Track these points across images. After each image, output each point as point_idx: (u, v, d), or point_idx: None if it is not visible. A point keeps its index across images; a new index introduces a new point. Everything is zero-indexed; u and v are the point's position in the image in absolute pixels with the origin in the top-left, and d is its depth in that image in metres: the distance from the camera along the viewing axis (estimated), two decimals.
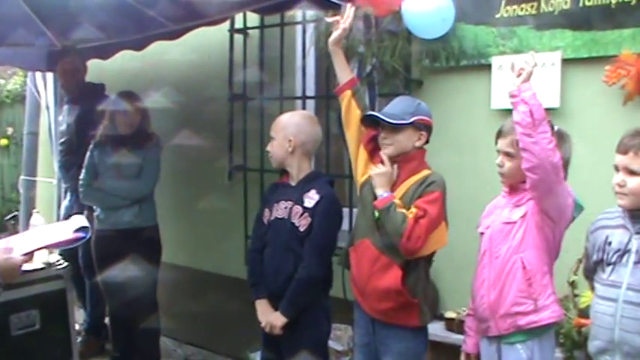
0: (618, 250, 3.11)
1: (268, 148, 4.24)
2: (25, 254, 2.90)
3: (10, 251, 2.89)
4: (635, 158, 3.00)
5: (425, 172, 3.77)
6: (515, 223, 3.42)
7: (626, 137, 3.07)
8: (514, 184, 3.49)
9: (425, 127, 3.79)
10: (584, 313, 3.75)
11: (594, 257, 3.24)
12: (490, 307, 3.46)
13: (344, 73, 4.03)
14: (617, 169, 3.09)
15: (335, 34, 3.95)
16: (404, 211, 3.60)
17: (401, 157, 3.77)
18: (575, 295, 3.93)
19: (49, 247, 2.94)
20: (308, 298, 4.13)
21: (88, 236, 3.06)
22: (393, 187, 3.76)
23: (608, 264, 3.14)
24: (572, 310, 3.93)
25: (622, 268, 3.08)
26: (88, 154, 5.61)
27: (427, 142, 3.84)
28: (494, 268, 3.45)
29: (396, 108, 3.81)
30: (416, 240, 3.57)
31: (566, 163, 3.46)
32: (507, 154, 3.44)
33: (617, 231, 3.15)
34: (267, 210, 4.29)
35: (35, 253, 3.08)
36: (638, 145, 2.99)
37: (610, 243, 3.15)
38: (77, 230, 3.05)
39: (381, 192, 3.68)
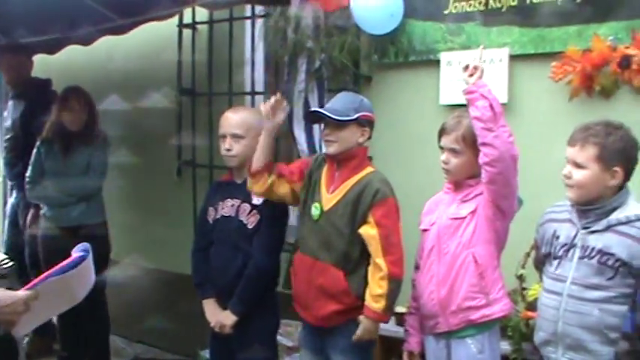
0: (565, 245, 3.16)
1: (229, 146, 4.12)
2: (29, 287, 2.67)
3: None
4: (581, 151, 3.05)
5: (367, 170, 3.76)
6: (464, 218, 3.43)
7: (577, 130, 3.13)
8: (459, 181, 3.50)
9: (368, 123, 3.78)
10: (531, 306, 3.79)
11: (543, 250, 3.30)
12: (440, 303, 3.46)
13: (265, 155, 3.91)
14: (568, 161, 3.14)
15: (272, 123, 3.87)
16: None
17: (342, 156, 3.75)
18: (524, 289, 3.96)
19: (54, 275, 2.70)
20: (257, 294, 4.12)
21: (89, 253, 2.89)
22: (334, 187, 3.76)
23: (555, 257, 3.20)
24: (521, 304, 3.97)
25: (567, 263, 3.13)
26: (34, 151, 5.51)
27: (369, 137, 3.84)
28: (444, 263, 3.46)
29: (339, 104, 3.78)
30: (399, 261, 3.62)
31: None
32: (453, 151, 3.44)
33: (564, 225, 3.20)
34: (211, 209, 4.26)
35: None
36: (584, 139, 3.05)
37: (558, 237, 3.20)
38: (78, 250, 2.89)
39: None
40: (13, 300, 2.56)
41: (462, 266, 3.40)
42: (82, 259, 2.73)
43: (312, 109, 3.93)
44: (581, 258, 3.08)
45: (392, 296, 3.61)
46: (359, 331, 3.65)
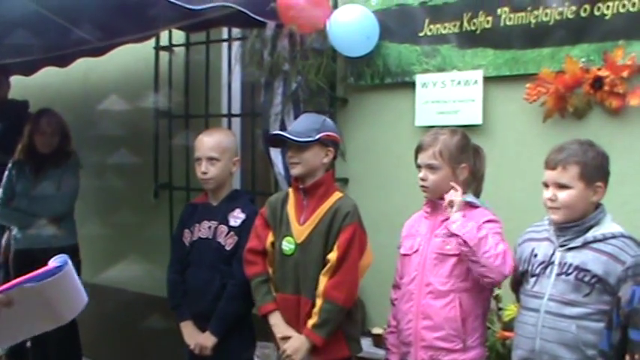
0: (543, 262, 3.17)
1: (205, 169, 4.12)
2: (1, 291, 2.67)
3: None
4: (564, 172, 3.06)
5: (335, 196, 3.76)
6: (451, 256, 3.39)
7: (553, 153, 3.14)
8: (435, 202, 3.50)
9: (332, 143, 3.77)
10: (508, 326, 3.80)
11: (520, 268, 3.30)
12: (415, 334, 3.45)
13: None
14: (546, 185, 3.14)
15: None
16: None
17: (309, 185, 3.74)
18: (500, 309, 3.98)
19: (27, 282, 2.65)
20: (238, 314, 4.13)
21: (67, 264, 2.85)
22: (304, 217, 3.75)
23: (532, 275, 3.21)
24: (497, 324, 3.98)
25: (545, 280, 3.14)
26: (6, 173, 5.52)
27: (335, 157, 3.85)
28: (426, 298, 3.43)
29: (301, 126, 3.78)
30: (342, 285, 3.63)
31: (480, 178, 3.53)
32: (430, 167, 3.43)
33: (542, 243, 3.22)
34: (187, 231, 4.25)
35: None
36: (564, 160, 3.06)
37: (536, 255, 3.22)
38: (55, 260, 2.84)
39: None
40: None
41: (446, 307, 3.37)
42: (58, 269, 2.69)
43: (274, 132, 3.92)
44: (559, 275, 3.10)
45: (324, 316, 3.61)
46: (285, 344, 3.70)
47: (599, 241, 3.06)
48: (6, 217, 5.54)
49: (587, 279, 3.03)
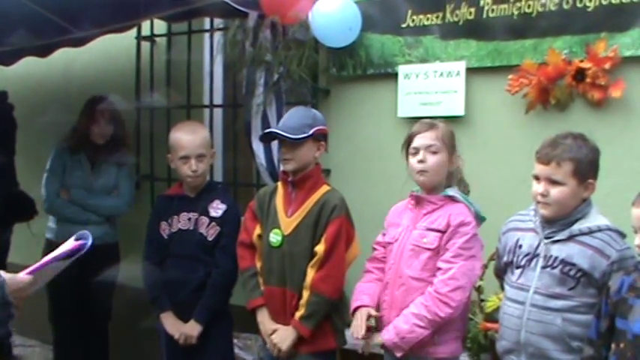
0: (528, 254, 3.18)
1: (195, 167, 4.16)
2: (30, 272, 2.71)
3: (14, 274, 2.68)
4: (558, 169, 3.05)
5: (323, 189, 3.78)
6: (426, 250, 3.41)
7: (547, 147, 3.11)
8: (420, 197, 3.49)
9: (323, 137, 3.81)
10: (490, 317, 3.80)
11: (505, 258, 3.31)
12: (389, 323, 3.47)
13: None
14: (537, 178, 3.13)
15: None
16: None
17: (297, 178, 3.76)
18: (482, 300, 3.98)
19: (53, 261, 2.71)
20: (223, 301, 4.19)
21: (90, 241, 2.81)
22: (292, 210, 3.77)
23: (518, 267, 3.21)
24: (479, 315, 3.98)
25: (530, 272, 3.15)
26: (50, 161, 5.30)
27: (325, 150, 3.87)
28: (400, 289, 3.46)
29: (293, 121, 3.79)
30: (330, 278, 3.66)
31: (459, 176, 3.55)
32: (430, 149, 3.41)
33: (527, 234, 3.22)
34: (164, 223, 4.26)
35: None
36: (560, 156, 3.05)
37: (520, 246, 3.22)
38: (77, 239, 2.85)
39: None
40: (18, 286, 2.65)
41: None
42: (83, 246, 2.74)
43: (268, 129, 3.93)
44: (544, 267, 3.10)
45: (311, 308, 3.65)
46: (273, 335, 3.74)
47: (585, 234, 3.07)
48: (60, 209, 5.26)
49: (572, 273, 3.04)
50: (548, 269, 3.09)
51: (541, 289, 3.10)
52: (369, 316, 3.49)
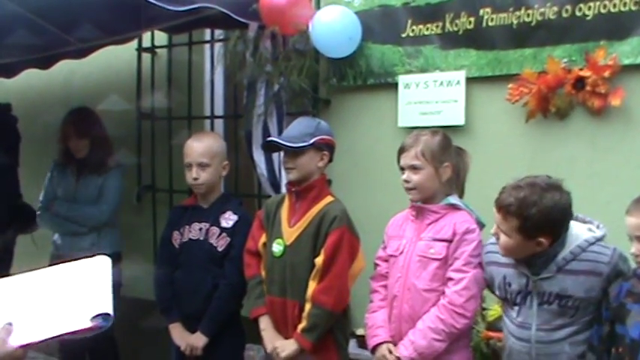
0: (519, 292, 3.15)
1: (196, 175, 4.13)
2: (22, 346, 2.23)
3: (8, 332, 2.40)
4: (504, 221, 3.05)
5: (326, 200, 3.78)
6: (434, 260, 3.40)
7: (506, 192, 3.08)
8: (420, 207, 3.49)
9: (327, 147, 3.80)
10: (492, 326, 3.81)
11: (497, 292, 3.30)
12: (400, 337, 3.45)
13: None
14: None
15: None
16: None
17: (301, 188, 3.76)
18: (484, 309, 3.98)
19: (56, 338, 2.31)
20: (229, 313, 4.16)
21: (109, 325, 2.29)
22: (295, 220, 3.77)
23: (514, 304, 3.19)
24: (481, 324, 3.98)
25: (527, 310, 3.13)
26: (47, 175, 5.35)
27: (331, 160, 3.86)
28: (410, 301, 3.44)
29: (295, 131, 3.80)
30: (331, 290, 3.64)
31: (463, 179, 3.54)
32: (413, 168, 3.43)
33: (511, 271, 3.18)
34: (176, 233, 4.25)
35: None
36: (506, 208, 3.02)
37: (510, 284, 3.19)
38: (96, 317, 2.42)
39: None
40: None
41: (430, 311, 3.38)
42: (100, 329, 2.22)
43: (269, 138, 3.93)
44: (541, 304, 3.08)
45: (312, 320, 3.64)
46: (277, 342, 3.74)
47: (571, 260, 3.04)
48: (47, 222, 5.34)
49: (570, 304, 3.03)
50: (545, 305, 3.08)
51: (543, 325, 3.09)
52: (390, 352, 3.48)
